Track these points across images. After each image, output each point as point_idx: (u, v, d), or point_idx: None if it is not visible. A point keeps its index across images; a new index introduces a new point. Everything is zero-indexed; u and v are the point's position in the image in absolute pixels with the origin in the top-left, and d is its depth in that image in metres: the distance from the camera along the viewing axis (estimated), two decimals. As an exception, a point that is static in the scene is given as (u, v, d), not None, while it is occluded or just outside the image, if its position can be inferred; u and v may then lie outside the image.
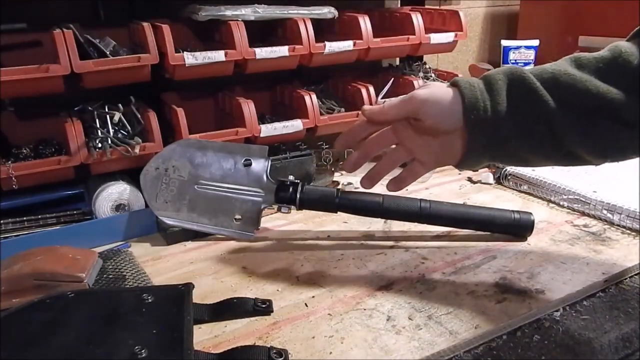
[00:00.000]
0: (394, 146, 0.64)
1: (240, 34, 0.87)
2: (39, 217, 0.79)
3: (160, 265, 0.71)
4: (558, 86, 0.53)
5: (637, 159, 0.97)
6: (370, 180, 0.66)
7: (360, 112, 0.66)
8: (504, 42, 1.32)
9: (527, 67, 0.56)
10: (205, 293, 0.63)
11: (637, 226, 0.74)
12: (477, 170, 1.01)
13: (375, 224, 0.81)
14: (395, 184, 0.66)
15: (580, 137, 0.53)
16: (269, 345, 0.52)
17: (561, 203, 0.84)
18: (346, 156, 0.67)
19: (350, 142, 0.65)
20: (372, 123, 0.63)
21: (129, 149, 0.80)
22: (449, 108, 0.55)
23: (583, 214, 0.81)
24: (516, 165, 0.63)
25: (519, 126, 0.54)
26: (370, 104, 1.01)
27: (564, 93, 0.52)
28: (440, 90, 0.57)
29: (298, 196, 0.73)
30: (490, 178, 0.96)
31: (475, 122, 0.54)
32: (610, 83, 0.51)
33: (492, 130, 0.54)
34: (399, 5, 1.23)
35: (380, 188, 0.94)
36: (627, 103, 0.50)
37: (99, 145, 0.80)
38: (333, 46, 0.94)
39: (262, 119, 1.00)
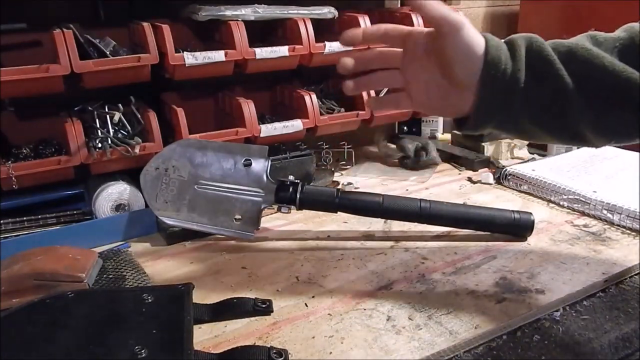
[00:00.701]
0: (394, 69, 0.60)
1: (240, 34, 0.87)
2: (39, 217, 0.79)
3: (160, 265, 0.71)
4: (574, 60, 0.51)
5: (637, 159, 0.97)
6: (355, 85, 0.61)
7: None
8: (504, 42, 1.32)
9: (546, 41, 0.53)
10: (205, 293, 0.63)
11: (637, 226, 0.74)
12: (476, 170, 1.01)
13: (375, 224, 0.81)
14: (376, 102, 0.63)
15: (591, 114, 0.51)
16: (269, 345, 0.52)
17: (561, 203, 0.84)
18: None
19: (359, 40, 0.59)
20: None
21: (129, 149, 0.80)
22: (474, 57, 0.52)
23: (583, 214, 0.81)
24: (518, 138, 0.60)
25: (533, 96, 0.52)
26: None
27: (580, 67, 0.51)
28: (476, 38, 0.53)
29: (298, 196, 0.73)
30: (490, 178, 0.96)
31: (495, 81, 0.52)
32: (626, 62, 0.50)
33: (507, 93, 0.52)
34: (399, 5, 1.23)
35: (380, 188, 0.95)
36: None
37: (99, 145, 0.80)
38: (333, 46, 0.94)
39: (262, 119, 1.00)
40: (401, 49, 0.58)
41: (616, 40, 0.52)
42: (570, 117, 0.52)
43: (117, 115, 0.84)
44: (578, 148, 0.98)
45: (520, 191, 0.91)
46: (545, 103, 0.52)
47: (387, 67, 0.60)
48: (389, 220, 0.81)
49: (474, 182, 0.96)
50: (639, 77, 0.49)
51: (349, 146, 1.06)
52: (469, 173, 1.01)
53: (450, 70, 0.54)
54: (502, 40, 0.54)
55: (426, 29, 0.56)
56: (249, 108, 0.90)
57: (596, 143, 0.54)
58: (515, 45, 0.53)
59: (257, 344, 0.54)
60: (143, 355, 0.46)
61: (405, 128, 1.27)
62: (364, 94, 1.00)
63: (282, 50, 0.90)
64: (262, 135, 0.91)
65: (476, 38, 0.52)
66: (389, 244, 0.75)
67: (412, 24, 1.02)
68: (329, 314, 0.59)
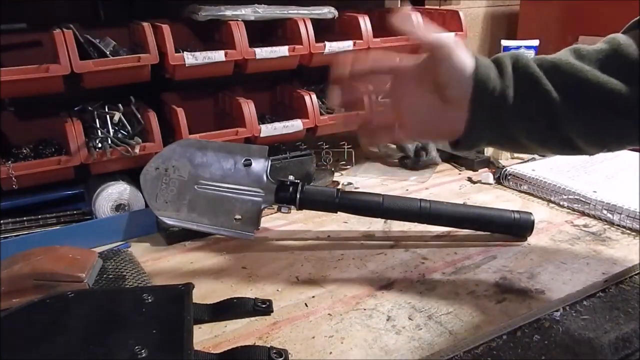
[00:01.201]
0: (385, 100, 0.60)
1: (240, 34, 0.87)
2: (39, 217, 0.79)
3: (160, 265, 0.71)
4: (559, 75, 0.53)
5: (637, 159, 0.97)
6: (346, 100, 0.61)
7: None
8: (504, 42, 1.32)
9: (530, 57, 0.55)
10: (205, 293, 0.63)
11: (637, 226, 0.74)
12: (476, 170, 1.01)
13: (375, 224, 0.81)
14: (369, 135, 0.63)
15: (579, 126, 0.53)
16: (269, 345, 0.52)
17: (561, 203, 0.84)
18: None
19: (347, 70, 0.59)
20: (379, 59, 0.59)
21: (129, 149, 0.80)
22: (465, 77, 0.54)
23: (583, 214, 0.81)
24: (514, 151, 0.62)
25: (521, 112, 0.54)
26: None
27: (565, 82, 0.53)
28: (466, 58, 0.55)
29: (298, 196, 0.73)
30: (490, 178, 0.96)
31: (484, 99, 0.54)
32: (609, 74, 0.52)
33: (498, 111, 0.54)
34: (399, 5, 1.23)
35: (380, 188, 0.95)
36: (626, 93, 0.51)
37: (99, 145, 0.80)
38: (333, 46, 0.94)
39: (262, 119, 1.00)
40: (390, 74, 0.60)
41: (599, 53, 0.54)
42: (561, 129, 0.54)
43: (117, 115, 0.84)
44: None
45: (520, 191, 0.91)
46: (535, 117, 0.54)
47: (377, 86, 0.61)
48: (389, 220, 0.81)
49: (474, 182, 0.96)
50: (622, 86, 0.51)
51: (349, 146, 1.06)
52: (469, 173, 1.01)
53: (443, 92, 0.56)
54: (490, 59, 0.56)
55: (413, 60, 0.59)
56: (249, 108, 0.90)
57: (590, 151, 0.56)
58: (502, 63, 0.55)
59: (257, 344, 0.54)
60: (143, 355, 0.46)
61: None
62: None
63: (282, 50, 0.90)
64: (262, 135, 0.91)
65: (467, 59, 0.55)
66: (389, 244, 0.75)
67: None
68: (329, 314, 0.59)
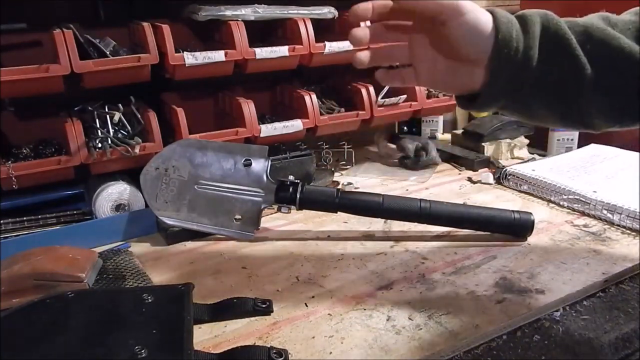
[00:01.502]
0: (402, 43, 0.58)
1: (240, 34, 0.87)
2: (39, 217, 0.79)
3: (160, 265, 0.71)
4: (591, 40, 0.50)
5: (637, 159, 0.97)
6: (363, 59, 0.59)
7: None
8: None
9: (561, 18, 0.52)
10: (205, 293, 0.63)
11: (637, 226, 0.74)
12: (476, 170, 1.01)
13: (375, 224, 0.81)
14: (383, 75, 0.60)
15: (603, 99, 0.50)
16: (269, 345, 0.52)
17: (561, 203, 0.84)
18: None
19: (368, 15, 0.56)
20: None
21: (129, 149, 0.80)
22: (481, 35, 0.50)
23: (583, 214, 0.81)
24: (523, 119, 0.58)
25: (545, 77, 0.51)
26: (370, 104, 1.01)
27: (597, 49, 0.50)
28: (481, 14, 0.51)
29: (298, 196, 0.73)
30: (490, 178, 0.96)
31: (505, 59, 0.50)
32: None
33: (518, 72, 0.51)
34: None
35: (380, 188, 0.95)
36: None
37: (99, 145, 0.80)
38: (333, 46, 0.94)
39: (262, 119, 1.00)
40: (410, 23, 0.56)
41: (628, 23, 0.50)
42: (582, 101, 0.50)
43: (117, 115, 0.84)
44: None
45: (520, 191, 0.91)
46: (558, 84, 0.50)
47: (399, 60, 0.58)
48: (389, 220, 0.81)
49: (474, 182, 0.96)
50: None
51: (349, 146, 1.06)
52: (469, 173, 1.01)
53: (458, 51, 0.52)
54: (514, 15, 0.52)
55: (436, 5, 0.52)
56: (249, 108, 0.90)
57: (602, 128, 0.53)
58: (529, 21, 0.51)
59: (257, 344, 0.54)
60: (143, 355, 0.46)
61: (405, 128, 1.27)
62: (364, 96, 1.00)
63: (282, 50, 0.90)
64: (262, 135, 0.91)
65: (482, 17, 0.50)
66: (389, 244, 0.75)
67: None
68: (329, 314, 0.59)
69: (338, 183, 0.98)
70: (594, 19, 0.52)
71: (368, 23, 0.60)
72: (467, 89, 0.54)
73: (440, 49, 0.54)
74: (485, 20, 0.50)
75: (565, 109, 0.52)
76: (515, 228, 0.74)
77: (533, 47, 0.50)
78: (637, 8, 0.52)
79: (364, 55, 0.59)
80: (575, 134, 1.10)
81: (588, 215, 0.80)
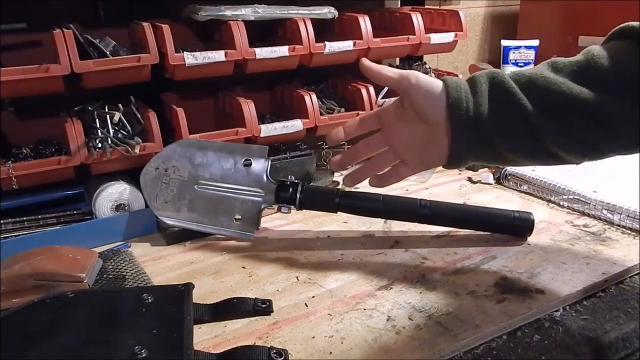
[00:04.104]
0: (382, 150, 0.66)
1: (240, 34, 0.87)
2: (39, 217, 0.79)
3: (160, 265, 0.71)
4: (535, 88, 0.55)
5: (638, 158, 0.97)
6: (353, 178, 0.69)
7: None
8: (504, 42, 1.32)
9: (507, 73, 0.58)
10: (205, 293, 0.63)
11: (637, 226, 0.74)
12: (476, 170, 1.01)
13: (375, 224, 0.81)
14: (378, 181, 0.68)
15: (557, 137, 0.55)
16: (269, 345, 0.52)
17: (561, 203, 0.84)
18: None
19: (342, 138, 0.67)
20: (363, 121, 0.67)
21: (129, 149, 0.80)
22: (437, 97, 0.58)
23: (583, 214, 0.81)
24: (501, 165, 0.67)
25: (500, 127, 0.56)
26: (370, 104, 1.01)
27: (540, 95, 0.55)
28: (433, 80, 0.60)
29: (298, 196, 0.73)
30: (490, 178, 0.96)
31: (460, 120, 0.57)
32: (583, 85, 0.54)
33: (474, 130, 0.57)
34: (399, 5, 1.23)
35: (380, 188, 0.94)
36: (599, 103, 0.53)
37: (99, 145, 0.80)
38: (333, 46, 0.94)
39: (262, 119, 1.00)
40: (379, 128, 0.66)
41: (574, 65, 0.56)
42: (541, 141, 0.56)
43: (117, 115, 0.84)
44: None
45: (520, 191, 0.91)
46: (513, 130, 0.56)
47: (374, 152, 0.67)
48: (389, 220, 0.81)
49: (474, 182, 0.96)
50: (595, 96, 0.53)
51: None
52: (469, 173, 1.01)
53: (424, 115, 0.60)
54: (466, 79, 0.59)
55: (392, 103, 0.64)
56: (249, 108, 0.90)
57: (572, 160, 0.58)
58: (476, 82, 0.58)
59: (257, 344, 0.54)
60: (143, 355, 0.46)
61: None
62: (364, 96, 1.00)
63: (282, 50, 0.90)
64: (262, 135, 0.91)
65: (433, 81, 0.59)
66: (389, 244, 0.75)
67: (412, 23, 1.02)
68: (329, 314, 0.59)
69: (338, 183, 0.98)
70: (540, 68, 0.57)
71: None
72: (445, 153, 0.61)
73: (410, 119, 0.61)
74: (437, 85, 0.59)
75: (529, 150, 0.57)
76: (515, 228, 0.74)
77: (482, 104, 0.56)
78: (587, 48, 0.57)
79: (350, 178, 0.70)
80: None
81: (588, 215, 0.80)
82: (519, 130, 0.56)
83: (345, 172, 0.70)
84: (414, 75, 0.60)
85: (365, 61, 0.63)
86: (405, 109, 0.62)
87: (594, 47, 0.56)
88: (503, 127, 0.56)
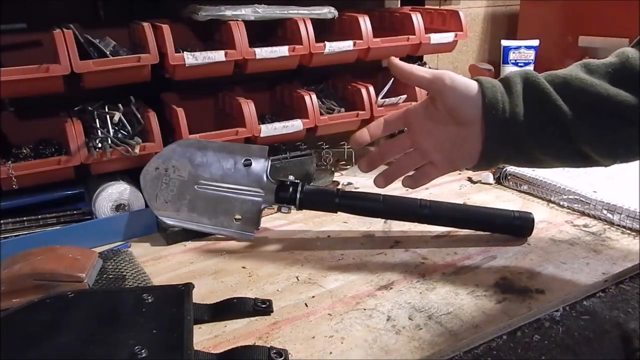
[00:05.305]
0: (409, 150, 0.66)
1: (240, 34, 0.87)
2: (39, 217, 0.79)
3: (160, 265, 0.71)
4: (570, 90, 0.55)
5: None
6: (385, 179, 0.68)
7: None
8: (504, 42, 1.32)
9: (540, 74, 0.58)
10: (205, 293, 0.63)
11: (637, 226, 0.74)
12: (477, 171, 1.01)
13: (375, 224, 0.81)
14: (410, 182, 0.68)
15: (592, 138, 0.55)
16: (269, 345, 0.52)
17: (561, 203, 0.84)
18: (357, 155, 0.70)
19: (367, 140, 0.66)
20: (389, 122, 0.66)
21: (129, 149, 0.80)
22: (472, 97, 0.58)
23: (583, 214, 0.81)
24: (530, 167, 0.66)
25: (534, 128, 0.56)
26: (370, 104, 1.01)
27: (576, 96, 0.55)
28: (468, 81, 0.59)
29: (298, 196, 0.73)
30: (490, 178, 0.96)
31: (495, 120, 0.57)
32: (619, 86, 0.54)
33: (510, 130, 0.57)
34: (399, 5, 1.23)
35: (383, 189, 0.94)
36: (635, 104, 0.53)
37: (99, 145, 0.80)
38: (333, 46, 0.94)
39: (262, 119, 1.00)
40: (404, 129, 0.65)
41: (608, 67, 0.55)
42: (574, 142, 0.55)
43: (117, 115, 0.84)
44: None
45: (520, 191, 0.91)
46: (548, 131, 0.56)
47: (401, 152, 0.66)
48: (389, 220, 0.81)
49: (474, 182, 0.96)
50: (632, 98, 0.53)
51: (349, 146, 1.06)
52: (469, 173, 1.01)
53: (455, 116, 0.59)
54: (498, 79, 0.59)
55: (418, 103, 0.64)
56: (249, 108, 0.90)
57: (603, 163, 0.58)
58: (511, 82, 0.58)
59: (257, 344, 0.54)
60: (143, 355, 0.46)
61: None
62: (364, 96, 1.00)
63: (282, 50, 0.90)
64: (262, 135, 0.91)
65: (468, 81, 0.59)
66: (389, 244, 0.75)
67: (412, 23, 1.02)
68: (329, 314, 0.59)
69: (338, 183, 0.98)
70: (573, 69, 0.57)
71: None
72: (475, 152, 0.60)
73: (440, 120, 0.61)
74: (472, 85, 0.58)
75: (562, 152, 0.57)
76: (515, 228, 0.74)
77: (518, 105, 0.56)
78: (619, 50, 0.57)
79: (382, 179, 0.68)
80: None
81: (588, 215, 0.80)
82: (553, 130, 0.56)
83: (360, 175, 0.69)
84: (448, 75, 0.59)
85: (395, 60, 0.62)
86: (436, 109, 0.61)
87: (628, 49, 0.56)
88: (537, 127, 0.56)
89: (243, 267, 0.70)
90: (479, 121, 0.58)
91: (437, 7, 1.23)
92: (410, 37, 1.02)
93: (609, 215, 0.77)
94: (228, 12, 0.88)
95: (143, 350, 0.47)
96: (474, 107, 0.58)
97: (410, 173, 0.67)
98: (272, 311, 0.59)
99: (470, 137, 0.59)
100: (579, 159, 0.57)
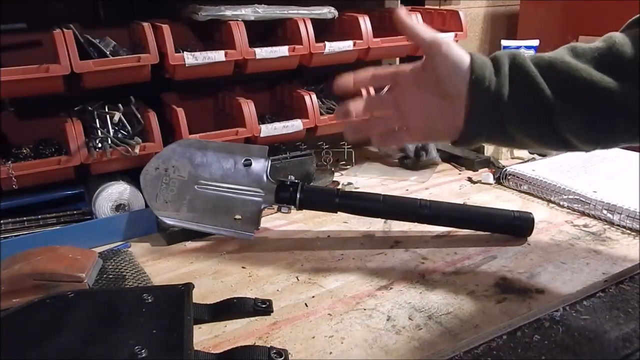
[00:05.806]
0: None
1: (240, 34, 0.87)
2: (39, 217, 0.79)
3: (160, 265, 0.71)
4: (554, 73, 0.55)
5: (637, 159, 0.97)
6: (354, 131, 0.65)
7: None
8: (504, 42, 1.32)
9: (528, 56, 0.57)
10: (205, 293, 0.63)
11: (637, 226, 0.74)
12: (476, 170, 1.01)
13: (375, 224, 0.81)
14: (379, 141, 0.66)
15: (574, 123, 0.54)
16: (269, 345, 0.52)
17: (561, 203, 0.84)
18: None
19: (350, 86, 0.63)
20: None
21: (129, 149, 0.80)
22: (462, 70, 0.57)
23: (583, 214, 0.81)
24: (510, 147, 0.64)
25: (517, 110, 0.56)
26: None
27: (560, 80, 0.54)
28: (462, 54, 0.58)
29: (298, 196, 0.73)
30: (490, 178, 0.96)
31: (480, 97, 0.56)
32: (604, 72, 0.53)
33: (493, 109, 0.56)
34: (399, 5, 1.23)
35: (380, 188, 0.95)
36: (619, 90, 0.52)
37: (99, 145, 0.80)
38: (333, 46, 0.94)
39: (262, 119, 1.00)
40: (390, 87, 0.63)
41: (594, 51, 0.55)
42: (555, 126, 0.55)
43: (117, 115, 0.84)
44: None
45: (520, 191, 0.91)
46: (530, 114, 0.56)
47: (381, 112, 0.64)
48: (389, 220, 0.81)
49: (474, 182, 0.96)
50: (616, 84, 0.52)
51: (349, 146, 1.06)
52: (469, 173, 1.01)
53: (442, 86, 0.58)
54: (489, 57, 0.58)
55: (411, 65, 0.61)
56: (249, 108, 0.90)
57: (583, 148, 0.57)
58: (499, 62, 0.57)
59: (257, 344, 0.54)
60: (143, 355, 0.46)
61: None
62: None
63: (282, 50, 0.90)
64: (262, 135, 0.91)
65: (463, 55, 0.57)
66: (389, 244, 0.75)
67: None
68: (329, 314, 0.59)
69: (338, 183, 0.98)
70: (560, 52, 0.57)
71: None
72: (455, 131, 0.59)
73: (427, 86, 0.60)
74: (464, 57, 0.57)
75: (542, 134, 0.57)
76: (515, 228, 0.74)
77: (504, 85, 0.56)
78: (607, 35, 0.56)
79: (352, 129, 0.65)
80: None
81: (588, 215, 0.80)
82: (536, 113, 0.55)
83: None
84: (446, 43, 0.58)
85: (400, 12, 0.60)
86: (426, 73, 0.59)
87: (615, 34, 0.56)
88: (520, 109, 0.55)
89: (243, 267, 0.70)
90: (463, 97, 0.57)
91: (437, 7, 1.23)
92: (410, 37, 1.02)
93: (609, 215, 0.77)
94: (228, 12, 0.88)
95: (143, 350, 0.47)
96: (461, 81, 0.57)
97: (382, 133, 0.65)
98: (272, 311, 0.59)
99: (452, 112, 0.58)
100: (560, 143, 0.57)
